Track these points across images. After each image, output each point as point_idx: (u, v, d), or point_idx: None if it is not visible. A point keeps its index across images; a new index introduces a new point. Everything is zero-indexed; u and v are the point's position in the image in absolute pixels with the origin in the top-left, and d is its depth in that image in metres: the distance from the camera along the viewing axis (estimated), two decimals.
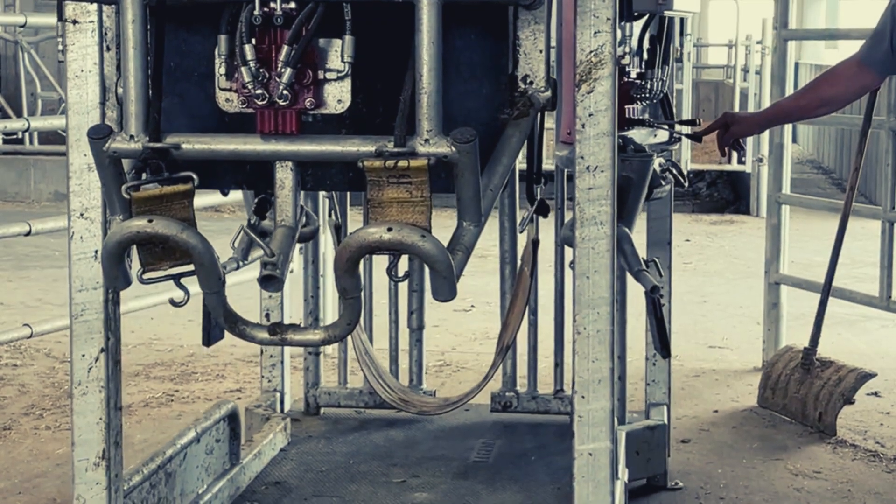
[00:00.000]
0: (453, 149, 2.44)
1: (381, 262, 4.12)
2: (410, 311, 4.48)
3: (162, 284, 2.57)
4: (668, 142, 4.20)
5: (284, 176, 2.55)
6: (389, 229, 2.41)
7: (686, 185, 4.15)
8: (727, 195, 13.30)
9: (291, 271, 5.56)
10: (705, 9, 25.55)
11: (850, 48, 4.65)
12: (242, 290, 5.62)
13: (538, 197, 3.40)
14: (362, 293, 4.49)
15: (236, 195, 5.77)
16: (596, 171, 2.74)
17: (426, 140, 2.46)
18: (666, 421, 4.41)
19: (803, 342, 5.58)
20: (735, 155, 12.70)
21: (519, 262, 4.17)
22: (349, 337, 4.35)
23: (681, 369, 6.32)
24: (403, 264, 2.86)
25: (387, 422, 4.42)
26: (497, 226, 4.46)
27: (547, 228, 3.94)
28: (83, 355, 2.87)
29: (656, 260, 4.07)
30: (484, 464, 4.03)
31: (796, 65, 16.38)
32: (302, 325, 2.61)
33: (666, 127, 4.17)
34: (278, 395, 4.39)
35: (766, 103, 11.53)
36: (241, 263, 3.70)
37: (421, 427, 4.37)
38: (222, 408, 3.67)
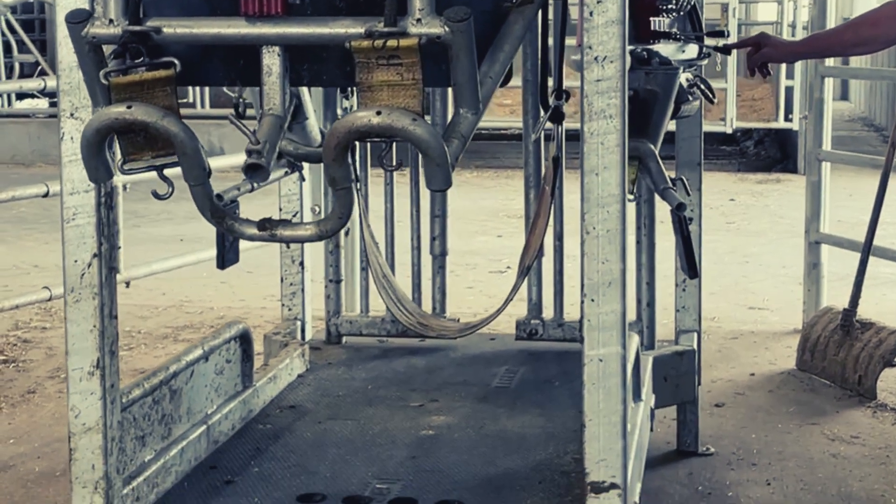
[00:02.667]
0: (446, 28, 2.32)
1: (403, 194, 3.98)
2: (433, 237, 4.37)
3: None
4: (697, 57, 4.04)
5: (271, 62, 2.44)
6: (379, 113, 2.29)
7: (714, 101, 4.00)
8: (774, 154, 13.04)
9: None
10: None
11: None
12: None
13: (552, 104, 3.27)
14: (384, 218, 4.40)
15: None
16: (605, 61, 2.60)
17: (418, 20, 2.34)
18: (696, 347, 4.27)
19: (846, 303, 5.41)
20: (782, 112, 12.41)
21: (542, 183, 4.04)
22: (368, 262, 4.25)
23: (718, 331, 6.17)
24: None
25: (409, 350, 4.32)
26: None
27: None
28: (75, 261, 2.78)
29: (683, 178, 3.93)
30: (505, 389, 3.92)
31: (846, 21, 16.03)
32: (293, 221, 2.50)
33: (694, 40, 4.01)
34: (299, 323, 4.29)
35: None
36: (254, 185, 3.61)
37: (444, 355, 4.26)
38: (233, 328, 3.57)
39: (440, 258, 4.37)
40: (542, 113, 3.30)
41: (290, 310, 4.31)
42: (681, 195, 3.80)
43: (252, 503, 3.04)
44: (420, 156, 2.34)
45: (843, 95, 19.46)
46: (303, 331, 4.31)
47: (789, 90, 12.05)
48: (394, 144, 2.45)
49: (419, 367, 4.12)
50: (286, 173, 3.95)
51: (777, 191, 11.26)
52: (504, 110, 13.56)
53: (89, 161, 2.40)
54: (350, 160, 2.37)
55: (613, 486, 2.68)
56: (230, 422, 3.49)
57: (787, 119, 12.28)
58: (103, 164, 2.41)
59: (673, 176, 3.87)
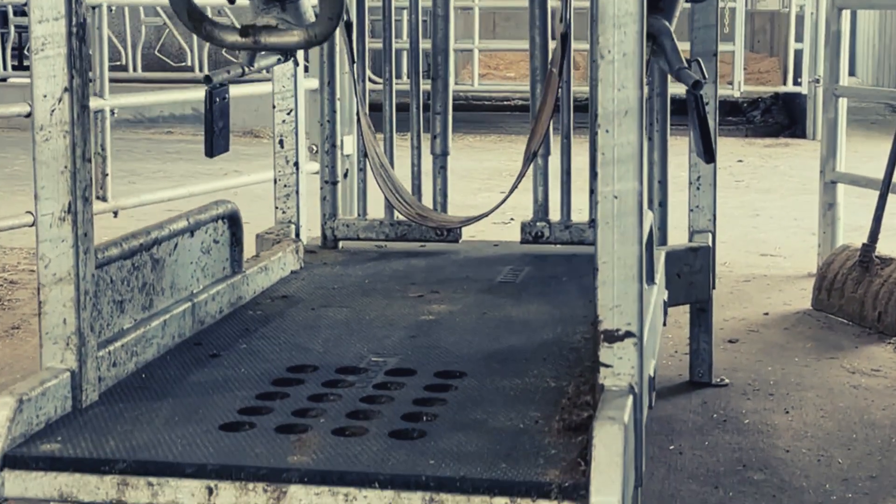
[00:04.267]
0: None
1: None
2: (433, 135, 4.15)
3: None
4: None
5: None
6: None
7: None
8: (782, 120, 12.84)
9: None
10: None
11: None
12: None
13: None
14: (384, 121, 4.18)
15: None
16: None
17: None
18: (710, 244, 4.04)
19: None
20: (790, 76, 12.18)
21: (548, 67, 3.82)
22: (366, 154, 4.03)
23: (730, 275, 5.97)
24: None
25: (410, 253, 4.10)
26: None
27: None
28: (44, 96, 2.56)
29: (699, 59, 3.72)
30: (510, 284, 3.70)
31: None
32: (279, 27, 2.28)
33: None
34: (293, 226, 4.07)
35: (822, 25, 11.09)
36: (246, 69, 3.39)
37: (446, 257, 4.04)
38: (220, 206, 3.34)
39: (441, 158, 4.15)
40: None
41: (283, 213, 4.08)
42: (696, 73, 3.59)
43: (238, 374, 2.81)
44: None
45: (851, 71, 19.28)
46: (297, 234, 4.08)
47: (798, 54, 11.86)
48: None
49: (419, 266, 3.90)
50: (279, 61, 3.72)
51: (786, 154, 11.06)
52: (507, 82, 13.41)
53: None
54: None
55: (629, 334, 2.45)
56: (217, 304, 3.27)
57: (795, 83, 12.10)
58: None
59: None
